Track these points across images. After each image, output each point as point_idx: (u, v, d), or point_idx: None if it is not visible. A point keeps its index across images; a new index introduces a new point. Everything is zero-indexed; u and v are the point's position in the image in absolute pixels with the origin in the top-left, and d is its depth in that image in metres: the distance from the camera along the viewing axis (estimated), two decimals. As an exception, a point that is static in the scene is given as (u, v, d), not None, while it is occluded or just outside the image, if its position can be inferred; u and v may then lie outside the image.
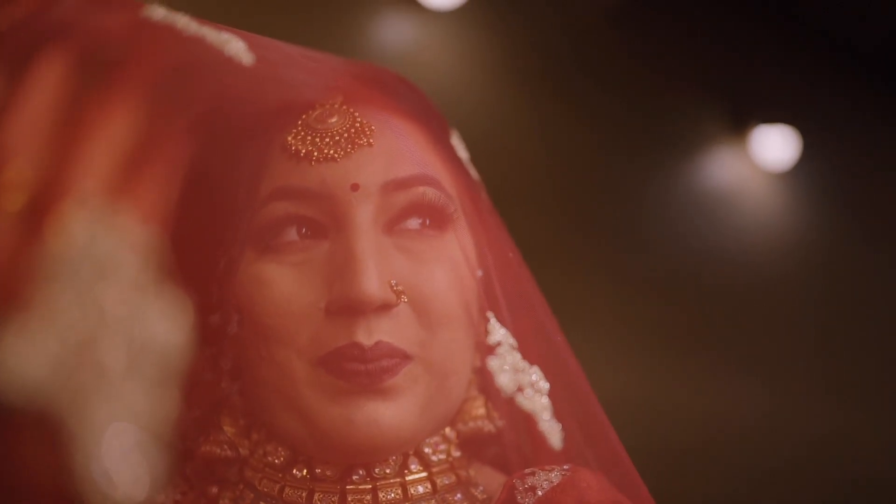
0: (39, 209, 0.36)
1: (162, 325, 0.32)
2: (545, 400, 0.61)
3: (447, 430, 0.71)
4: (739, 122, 2.94)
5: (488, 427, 0.71)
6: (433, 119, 0.74)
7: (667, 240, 2.77)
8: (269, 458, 0.69)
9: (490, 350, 0.64)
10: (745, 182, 2.97)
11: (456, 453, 0.70)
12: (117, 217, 0.34)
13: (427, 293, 0.67)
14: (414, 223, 0.69)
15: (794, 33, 3.04)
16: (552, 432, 0.60)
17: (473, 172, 0.77)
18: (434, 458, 0.69)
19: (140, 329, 0.32)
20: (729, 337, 2.81)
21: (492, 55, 2.61)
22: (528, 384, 0.61)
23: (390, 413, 0.65)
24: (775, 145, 2.93)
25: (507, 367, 0.61)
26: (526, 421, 0.64)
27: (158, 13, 0.52)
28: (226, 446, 0.70)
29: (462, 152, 0.76)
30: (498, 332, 0.64)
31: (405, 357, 0.66)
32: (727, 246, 2.89)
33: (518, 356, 0.63)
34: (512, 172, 2.52)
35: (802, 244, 3.03)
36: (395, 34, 2.48)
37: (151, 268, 0.33)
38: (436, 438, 0.70)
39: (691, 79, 2.88)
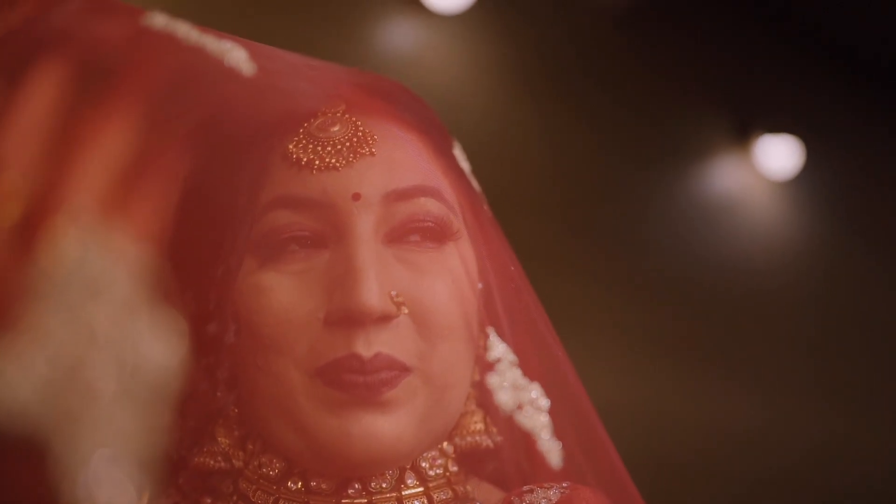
0: (31, 224, 0.35)
1: (155, 347, 0.31)
2: (545, 418, 0.60)
3: (445, 444, 0.70)
4: (743, 132, 2.95)
5: (486, 442, 0.71)
6: (435, 130, 0.73)
7: (670, 247, 2.76)
8: (264, 470, 0.68)
9: (490, 366, 0.63)
10: (748, 190, 2.97)
11: (453, 468, 0.69)
12: (111, 234, 0.33)
13: (427, 305, 0.66)
14: (415, 234, 0.68)
15: (798, 44, 3.04)
16: (552, 451, 0.60)
17: (475, 184, 0.76)
18: (431, 472, 0.68)
19: (132, 351, 0.31)
20: (731, 345, 2.80)
21: (497, 59, 2.61)
22: (527, 402, 0.60)
23: (388, 426, 0.64)
24: (779, 154, 2.93)
25: (506, 384, 0.60)
26: (525, 438, 0.63)
27: (159, 21, 0.51)
28: (219, 458, 0.69)
29: (464, 163, 0.76)
30: (498, 348, 0.63)
31: (404, 369, 0.65)
32: (730, 253, 2.89)
33: (518, 373, 0.62)
34: (514, 176, 2.51)
35: (804, 252, 3.03)
36: (400, 37, 2.47)
37: (145, 288, 0.32)
38: (433, 453, 0.69)
39: (696, 88, 2.89)
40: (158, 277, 0.33)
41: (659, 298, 2.69)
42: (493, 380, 0.61)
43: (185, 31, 0.52)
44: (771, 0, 2.92)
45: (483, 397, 0.71)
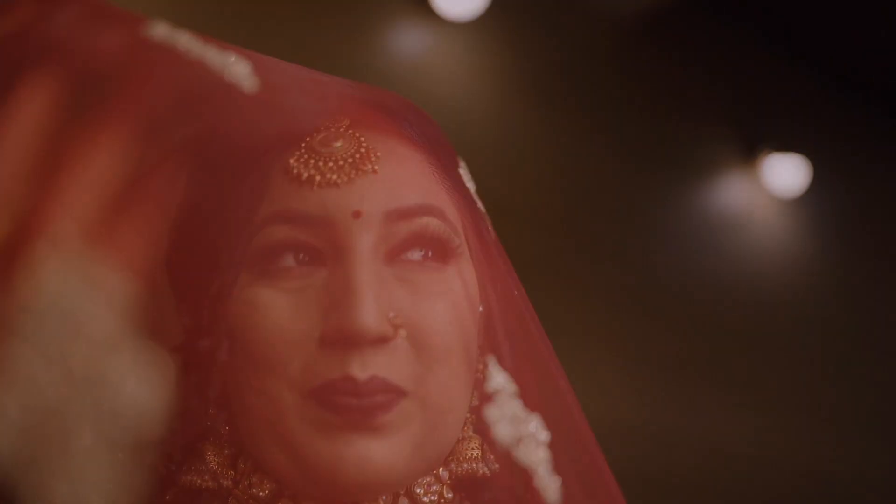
0: (10, 250, 0.33)
1: (136, 389, 0.29)
2: (543, 453, 0.59)
3: (440, 469, 0.68)
4: (751, 150, 2.96)
5: (483, 470, 0.69)
6: (441, 148, 0.72)
7: (675, 263, 2.76)
8: (255, 490, 0.67)
9: (488, 398, 0.62)
10: (754, 208, 2.97)
11: (448, 495, 0.68)
12: (94, 265, 0.31)
13: (426, 328, 0.65)
14: (416, 254, 0.67)
15: (806, 65, 3.05)
16: (549, 488, 0.58)
17: (480, 205, 0.74)
18: (425, 499, 0.67)
19: (111, 395, 0.29)
20: (735, 364, 2.80)
21: (505, 68, 2.60)
22: (526, 435, 0.59)
23: (382, 451, 0.63)
24: (785, 173, 2.94)
25: (505, 417, 0.59)
26: (523, 468, 0.61)
27: (160, 31, 0.49)
28: (207, 476, 0.67)
29: (469, 183, 0.74)
30: (497, 379, 0.61)
31: (400, 393, 0.63)
32: (735, 270, 2.89)
33: (518, 404, 0.60)
34: (519, 188, 2.51)
35: (809, 270, 3.03)
36: (410, 43, 2.46)
37: (128, 324, 0.30)
38: (428, 479, 0.67)
39: (706, 106, 2.89)
40: (143, 311, 0.31)
41: (663, 315, 2.69)
42: (491, 412, 0.60)
43: (187, 42, 0.50)
44: (781, 20, 2.92)
45: (480, 423, 0.70)
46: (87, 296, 0.30)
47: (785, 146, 2.94)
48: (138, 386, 0.29)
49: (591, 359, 2.45)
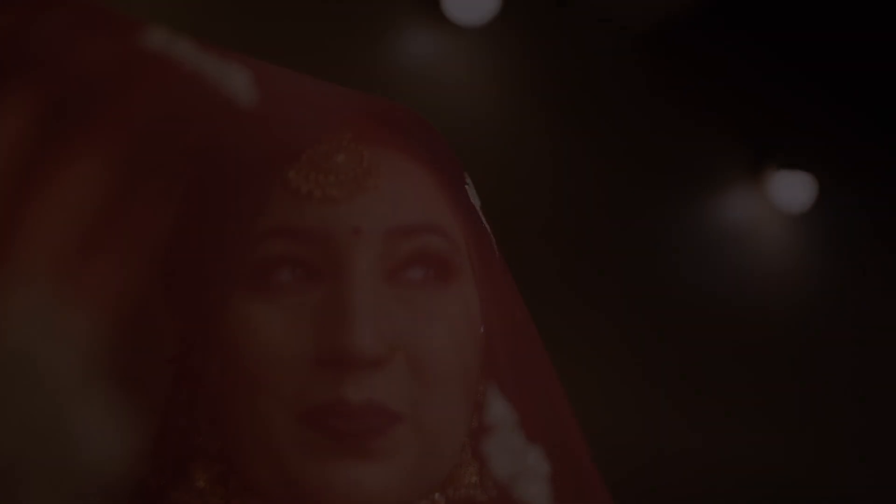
0: None
1: (103, 443, 0.27)
2: (543, 486, 0.57)
3: (436, 495, 0.66)
4: (758, 165, 2.96)
5: (481, 496, 0.66)
6: (448, 163, 0.69)
7: (682, 276, 2.75)
8: (245, 511, 0.65)
9: (487, 428, 0.59)
10: (760, 222, 2.97)
11: (444, 521, 0.66)
12: (63, 304, 0.28)
13: (425, 351, 0.62)
14: (417, 273, 0.64)
15: (814, 83, 3.05)
16: (548, 524, 0.56)
17: (485, 222, 0.72)
18: (421, 525, 0.65)
19: (75, 449, 0.26)
20: (739, 378, 2.79)
21: (516, 74, 2.59)
22: (526, 468, 0.56)
23: (375, 476, 0.60)
24: (792, 188, 2.94)
25: (504, 449, 0.56)
26: (521, 504, 0.59)
27: (157, 39, 0.47)
28: (194, 495, 0.65)
29: (475, 199, 0.72)
30: (497, 408, 0.59)
31: (396, 418, 0.61)
32: (740, 284, 2.88)
33: (517, 435, 0.58)
34: (525, 194, 2.49)
35: (814, 285, 3.03)
36: (421, 48, 2.45)
37: (97, 372, 0.28)
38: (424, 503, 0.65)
39: (715, 120, 2.89)
40: (118, 352, 0.29)
41: (668, 329, 2.68)
42: (489, 445, 0.57)
43: (184, 51, 0.48)
44: (790, 37, 2.92)
45: (479, 447, 0.67)
46: (52, 342, 0.27)
47: (792, 163, 2.94)
48: (105, 440, 0.27)
49: (595, 372, 2.44)
